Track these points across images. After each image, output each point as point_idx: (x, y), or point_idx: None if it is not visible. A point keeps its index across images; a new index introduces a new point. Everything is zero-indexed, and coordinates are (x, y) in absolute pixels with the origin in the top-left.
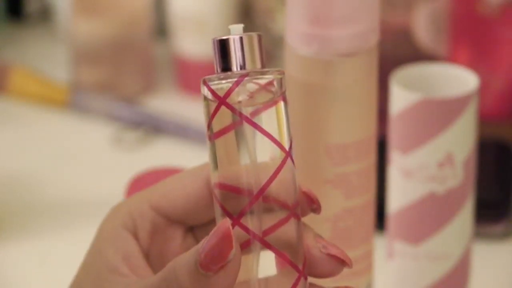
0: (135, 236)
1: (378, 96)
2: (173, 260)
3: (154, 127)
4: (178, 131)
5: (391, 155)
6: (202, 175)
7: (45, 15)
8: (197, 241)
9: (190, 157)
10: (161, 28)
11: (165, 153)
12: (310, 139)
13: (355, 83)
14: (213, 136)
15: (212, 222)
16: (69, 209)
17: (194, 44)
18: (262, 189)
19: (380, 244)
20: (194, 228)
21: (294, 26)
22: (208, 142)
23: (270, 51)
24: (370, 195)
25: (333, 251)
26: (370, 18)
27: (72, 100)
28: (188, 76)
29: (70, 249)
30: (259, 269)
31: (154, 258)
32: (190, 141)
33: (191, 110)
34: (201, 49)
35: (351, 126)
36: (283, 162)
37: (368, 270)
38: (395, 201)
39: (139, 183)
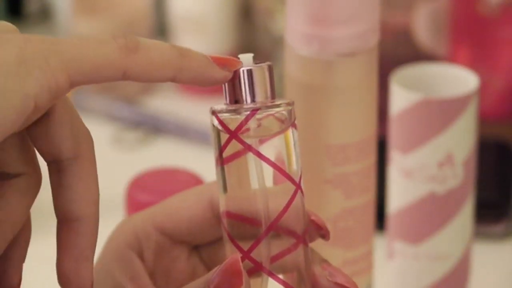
0: (141, 256)
1: (378, 96)
2: None
3: (154, 127)
4: (178, 131)
5: (391, 155)
6: (206, 196)
7: (45, 15)
8: (202, 260)
9: (190, 157)
10: (161, 28)
11: (165, 153)
12: (310, 139)
13: (355, 83)
14: (223, 162)
15: (216, 241)
16: None
17: (194, 44)
18: (272, 224)
19: (380, 244)
20: (199, 247)
21: (294, 26)
22: (217, 167)
23: (270, 51)
24: (370, 195)
25: (340, 279)
26: (370, 18)
27: (72, 100)
28: None
29: None
30: None
31: (159, 278)
32: (190, 141)
33: (191, 110)
34: (201, 49)
35: (351, 126)
36: (294, 195)
37: (368, 270)
38: (395, 201)
39: (139, 183)
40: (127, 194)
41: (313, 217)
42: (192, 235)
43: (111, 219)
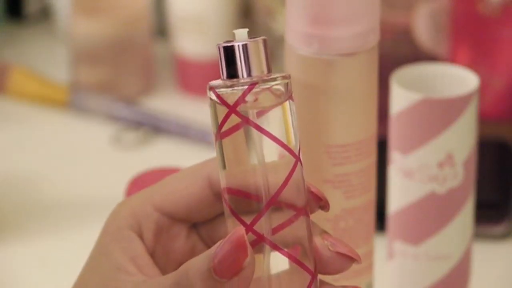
0: (140, 236)
1: (378, 96)
2: (185, 264)
3: (154, 127)
4: (178, 131)
5: (391, 155)
6: (203, 174)
7: (45, 15)
8: (201, 237)
9: (190, 157)
10: (161, 28)
11: (165, 153)
12: (311, 139)
13: (355, 83)
14: (221, 136)
15: (215, 218)
16: (69, 209)
17: (194, 44)
18: (274, 197)
19: (380, 244)
20: (197, 224)
21: (294, 25)
22: (215, 143)
23: (271, 51)
24: (370, 195)
25: (341, 249)
26: (370, 18)
27: (72, 100)
28: (188, 76)
29: (70, 249)
30: (270, 267)
31: (159, 256)
32: (190, 141)
33: (191, 110)
34: (201, 49)
35: (352, 126)
36: (294, 167)
37: (368, 270)
38: (395, 201)
39: (139, 183)
40: (127, 194)
41: (312, 189)
42: (191, 213)
43: None
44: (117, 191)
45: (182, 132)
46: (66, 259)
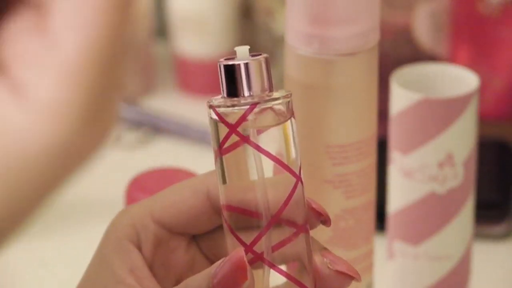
0: (139, 248)
1: (378, 96)
2: (184, 281)
3: (154, 127)
4: (178, 131)
5: (391, 155)
6: (202, 188)
7: None
8: (201, 249)
9: (190, 157)
10: (161, 28)
11: (165, 153)
12: (311, 139)
13: (355, 83)
14: (222, 153)
15: (215, 230)
16: (69, 209)
17: (194, 44)
18: (274, 218)
19: (380, 244)
20: (197, 237)
21: (294, 25)
22: (216, 159)
23: (271, 51)
24: (370, 195)
25: (341, 267)
26: (370, 18)
27: None
28: (188, 76)
29: (70, 249)
30: (270, 283)
31: (158, 269)
32: (190, 141)
33: (191, 110)
34: (201, 49)
35: (351, 126)
36: (294, 187)
37: (368, 270)
38: (395, 201)
39: (139, 183)
40: (127, 194)
41: (313, 205)
42: (190, 226)
43: (111, 219)
44: (117, 191)
45: (182, 132)
46: (66, 259)
